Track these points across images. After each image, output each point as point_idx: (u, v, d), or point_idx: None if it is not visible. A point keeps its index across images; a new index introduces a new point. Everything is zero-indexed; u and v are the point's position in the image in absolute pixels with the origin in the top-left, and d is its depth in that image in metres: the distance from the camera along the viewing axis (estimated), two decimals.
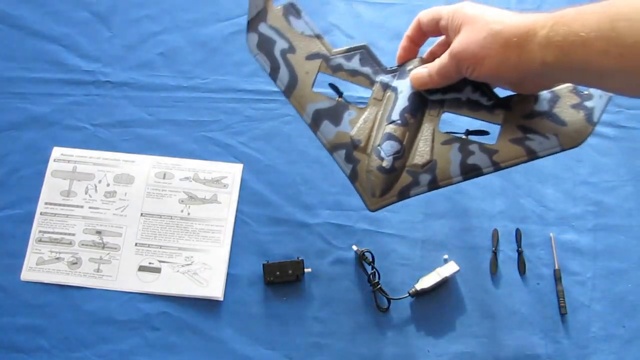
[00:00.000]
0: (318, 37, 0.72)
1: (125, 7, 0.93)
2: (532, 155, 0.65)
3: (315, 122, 0.69)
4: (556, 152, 0.65)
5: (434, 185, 0.66)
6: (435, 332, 0.75)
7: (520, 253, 0.79)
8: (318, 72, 0.70)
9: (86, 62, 0.89)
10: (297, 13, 0.72)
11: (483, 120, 0.67)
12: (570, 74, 0.55)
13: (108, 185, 0.82)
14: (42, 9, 0.93)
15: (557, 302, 0.76)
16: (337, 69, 0.70)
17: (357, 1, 0.95)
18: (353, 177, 0.68)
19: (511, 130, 0.66)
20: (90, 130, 0.85)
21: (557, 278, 0.77)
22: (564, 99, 0.66)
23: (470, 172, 0.66)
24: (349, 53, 0.71)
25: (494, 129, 0.67)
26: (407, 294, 0.76)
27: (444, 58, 0.61)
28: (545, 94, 0.66)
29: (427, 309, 0.76)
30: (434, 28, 0.62)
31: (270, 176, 0.83)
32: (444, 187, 0.66)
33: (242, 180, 0.83)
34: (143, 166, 0.83)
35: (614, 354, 0.74)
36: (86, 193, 0.81)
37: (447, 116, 0.68)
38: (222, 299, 0.76)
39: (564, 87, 0.67)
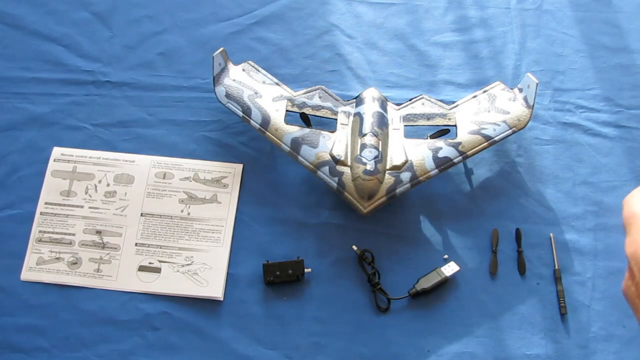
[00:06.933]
0: (278, 84, 0.84)
1: (125, 7, 0.93)
2: (490, 140, 0.78)
3: (294, 149, 0.78)
4: (509, 135, 0.78)
5: (415, 181, 0.76)
6: (435, 332, 0.75)
7: (520, 253, 0.79)
8: (286, 109, 0.80)
9: (86, 62, 0.89)
10: (255, 69, 0.84)
11: (440, 125, 0.80)
12: None
13: (108, 185, 0.82)
14: (42, 9, 0.93)
15: (557, 302, 0.76)
16: (302, 106, 0.81)
17: (357, 1, 0.95)
18: (341, 187, 0.76)
19: (467, 125, 0.79)
20: (90, 130, 0.85)
21: (557, 278, 0.77)
22: (500, 96, 0.82)
23: (443, 164, 0.77)
24: (309, 93, 0.83)
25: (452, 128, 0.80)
26: (407, 294, 0.76)
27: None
28: (482, 95, 0.82)
29: (427, 309, 0.76)
30: None
31: (270, 176, 0.83)
32: (424, 181, 0.76)
33: (242, 180, 0.83)
34: (143, 166, 0.83)
35: (614, 354, 0.74)
36: (86, 193, 0.81)
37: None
38: (222, 299, 0.76)
39: (496, 87, 0.83)
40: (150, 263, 0.78)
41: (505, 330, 0.75)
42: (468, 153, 0.77)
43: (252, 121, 0.80)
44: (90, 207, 0.80)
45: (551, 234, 0.79)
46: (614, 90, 0.89)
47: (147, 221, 0.80)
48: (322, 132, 0.79)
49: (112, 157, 0.83)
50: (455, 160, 0.77)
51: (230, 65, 0.84)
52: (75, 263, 0.78)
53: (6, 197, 0.81)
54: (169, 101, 0.87)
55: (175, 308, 0.76)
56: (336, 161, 0.76)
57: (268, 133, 0.79)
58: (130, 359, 0.73)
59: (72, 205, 0.80)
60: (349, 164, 0.76)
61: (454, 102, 0.83)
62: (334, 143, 0.77)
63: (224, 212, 0.80)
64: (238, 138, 0.85)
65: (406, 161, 0.76)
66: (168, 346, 0.74)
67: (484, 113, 0.80)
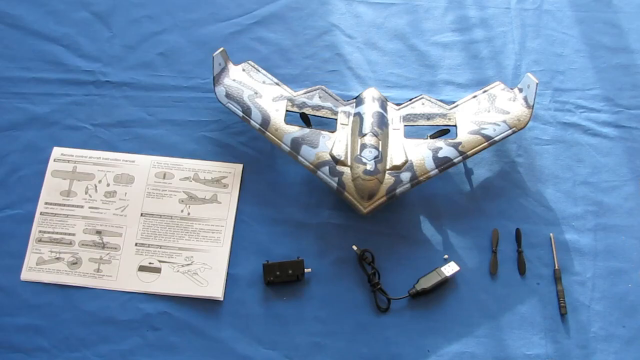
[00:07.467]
0: (278, 84, 0.84)
1: (125, 7, 0.93)
2: (490, 140, 0.77)
3: (294, 149, 0.78)
4: (509, 135, 0.78)
5: (415, 181, 0.76)
6: (435, 332, 0.75)
7: (520, 253, 0.79)
8: (286, 109, 0.80)
9: (86, 62, 0.89)
10: (255, 69, 0.84)
11: (440, 125, 0.80)
12: None
13: (108, 185, 0.82)
14: (42, 9, 0.93)
15: (557, 302, 0.76)
16: (302, 106, 0.81)
17: (357, 1, 0.95)
18: (341, 187, 0.76)
19: (467, 125, 0.79)
20: (90, 130, 0.85)
21: (557, 278, 0.77)
22: (500, 96, 0.81)
23: (443, 164, 0.76)
24: (309, 93, 0.83)
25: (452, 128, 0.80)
26: (407, 294, 0.76)
27: None
28: (482, 95, 0.82)
29: (427, 309, 0.76)
30: None
31: (270, 176, 0.83)
32: (424, 181, 0.76)
33: (242, 180, 0.83)
34: (143, 166, 0.83)
35: (614, 354, 0.74)
36: (86, 193, 0.81)
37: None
38: (222, 299, 0.76)
39: (496, 87, 0.83)
40: (150, 263, 0.78)
41: (505, 330, 0.75)
42: (468, 153, 0.77)
43: (252, 121, 0.80)
44: (90, 207, 0.80)
45: (551, 234, 0.79)
46: (614, 90, 0.89)
47: (147, 221, 0.80)
48: (322, 132, 0.79)
49: (112, 157, 0.83)
50: (455, 160, 0.77)
51: (230, 65, 0.84)
52: (75, 263, 0.78)
53: (6, 197, 0.81)
54: (169, 101, 0.87)
55: (175, 308, 0.76)
56: (336, 161, 0.76)
57: (268, 133, 0.79)
58: (130, 359, 0.73)
59: (72, 205, 0.80)
60: (349, 164, 0.76)
61: (454, 102, 0.83)
62: (334, 143, 0.77)
63: (224, 212, 0.80)
64: (238, 138, 0.85)
65: (406, 161, 0.76)
66: (168, 346, 0.74)
67: (484, 113, 0.80)
